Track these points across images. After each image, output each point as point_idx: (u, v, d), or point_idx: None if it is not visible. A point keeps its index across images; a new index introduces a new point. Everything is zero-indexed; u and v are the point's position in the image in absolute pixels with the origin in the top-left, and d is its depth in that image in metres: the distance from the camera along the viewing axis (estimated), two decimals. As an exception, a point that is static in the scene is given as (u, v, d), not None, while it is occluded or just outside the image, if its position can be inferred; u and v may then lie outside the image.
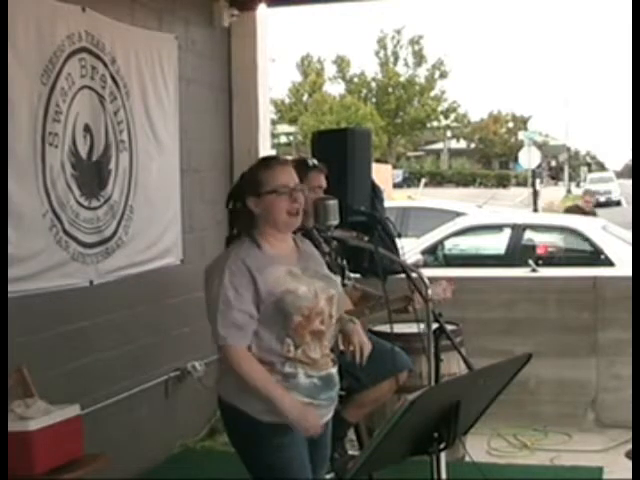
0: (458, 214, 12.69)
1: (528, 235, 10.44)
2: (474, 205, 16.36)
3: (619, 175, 57.03)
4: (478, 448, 5.45)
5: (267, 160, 3.39)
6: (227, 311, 3.07)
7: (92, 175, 4.91)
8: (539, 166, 36.06)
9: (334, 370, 3.28)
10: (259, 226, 3.20)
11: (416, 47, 54.83)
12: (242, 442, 3.20)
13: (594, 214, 12.51)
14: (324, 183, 4.34)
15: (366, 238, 3.91)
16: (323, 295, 3.20)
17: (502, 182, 55.21)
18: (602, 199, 41.93)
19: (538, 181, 30.11)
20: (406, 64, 55.07)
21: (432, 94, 55.28)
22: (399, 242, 4.80)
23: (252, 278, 3.10)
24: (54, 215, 4.56)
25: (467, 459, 4.33)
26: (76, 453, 4.07)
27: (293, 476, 3.15)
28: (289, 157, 4.03)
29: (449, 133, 62.64)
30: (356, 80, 55.05)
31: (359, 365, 3.34)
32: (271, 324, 3.11)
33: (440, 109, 55.95)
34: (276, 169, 3.22)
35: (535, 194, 27.85)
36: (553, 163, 62.92)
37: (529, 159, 29.66)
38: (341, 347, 3.77)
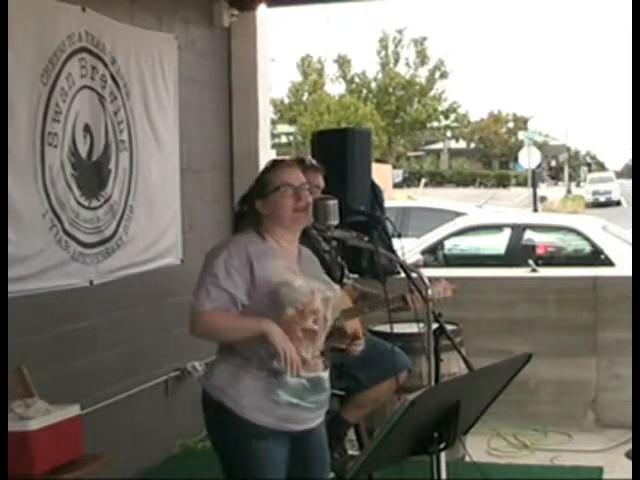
0: (458, 214, 12.70)
1: (528, 235, 10.45)
2: (474, 205, 16.37)
3: (619, 175, 57.02)
4: (478, 448, 5.45)
5: (272, 162, 3.43)
6: (211, 287, 3.08)
7: (92, 175, 4.91)
8: (539, 166, 36.06)
9: (325, 374, 3.23)
10: (267, 225, 3.22)
11: (419, 47, 54.76)
12: (222, 439, 3.18)
13: None
14: (322, 183, 4.34)
15: (366, 238, 3.91)
16: (319, 295, 3.18)
17: (502, 182, 55.19)
18: (602, 199, 42.04)
19: (544, 185, 30.13)
20: (407, 64, 55.03)
21: (432, 94, 55.21)
22: (399, 242, 4.79)
23: (249, 263, 3.11)
24: (54, 215, 4.56)
25: (467, 459, 4.34)
26: (76, 453, 4.06)
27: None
28: (287, 157, 4.03)
29: (449, 133, 62.55)
30: (357, 80, 55.00)
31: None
32: (263, 315, 3.08)
33: (440, 109, 55.88)
34: (282, 169, 3.26)
35: (535, 196, 27.91)
36: (553, 163, 62.89)
37: (529, 159, 29.73)
38: (342, 346, 3.75)
